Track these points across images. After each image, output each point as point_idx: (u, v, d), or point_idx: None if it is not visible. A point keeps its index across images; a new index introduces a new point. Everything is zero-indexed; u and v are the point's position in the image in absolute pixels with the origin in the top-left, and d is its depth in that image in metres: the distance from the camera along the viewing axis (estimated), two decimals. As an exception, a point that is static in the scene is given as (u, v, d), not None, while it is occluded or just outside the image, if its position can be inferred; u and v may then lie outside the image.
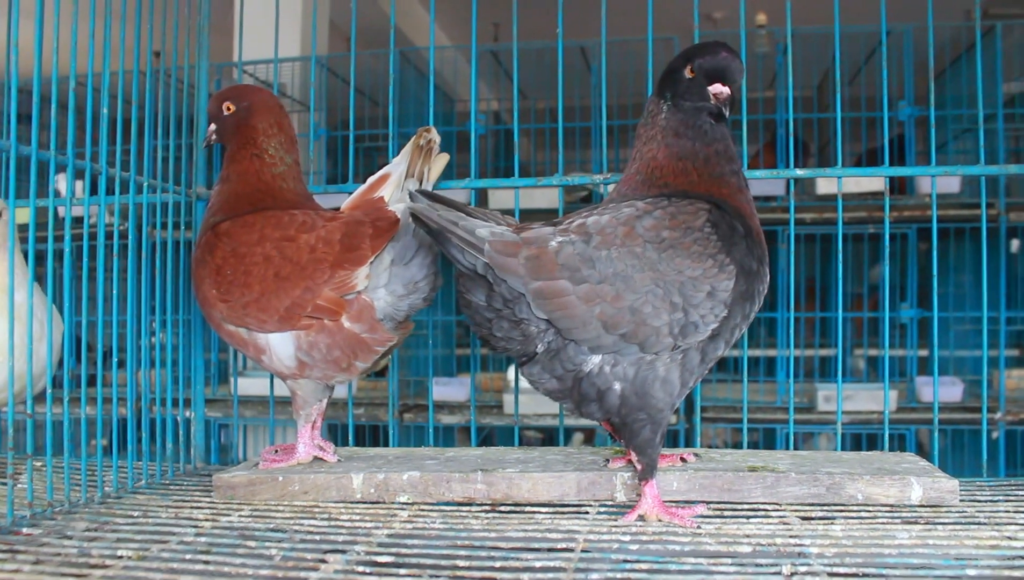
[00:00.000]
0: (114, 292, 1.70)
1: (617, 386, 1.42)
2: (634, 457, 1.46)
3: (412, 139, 1.71)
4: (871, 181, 3.76)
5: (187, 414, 2.05)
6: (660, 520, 1.42)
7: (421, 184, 1.70)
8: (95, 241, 1.64)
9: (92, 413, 1.64)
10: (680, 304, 1.39)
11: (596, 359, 1.42)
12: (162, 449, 1.88)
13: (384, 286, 1.65)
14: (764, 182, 3.89)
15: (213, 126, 1.82)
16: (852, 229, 3.99)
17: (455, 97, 4.89)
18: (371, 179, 1.71)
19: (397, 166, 1.70)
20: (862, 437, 3.92)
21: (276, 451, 1.79)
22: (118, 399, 1.65)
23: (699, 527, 1.39)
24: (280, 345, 1.67)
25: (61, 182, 3.16)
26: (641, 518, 1.43)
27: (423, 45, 5.21)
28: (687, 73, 1.49)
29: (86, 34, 1.58)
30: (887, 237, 1.89)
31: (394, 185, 1.68)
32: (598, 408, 1.44)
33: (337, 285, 1.62)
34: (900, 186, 4.09)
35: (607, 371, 1.42)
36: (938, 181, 3.61)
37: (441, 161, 1.75)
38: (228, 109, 1.79)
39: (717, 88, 1.47)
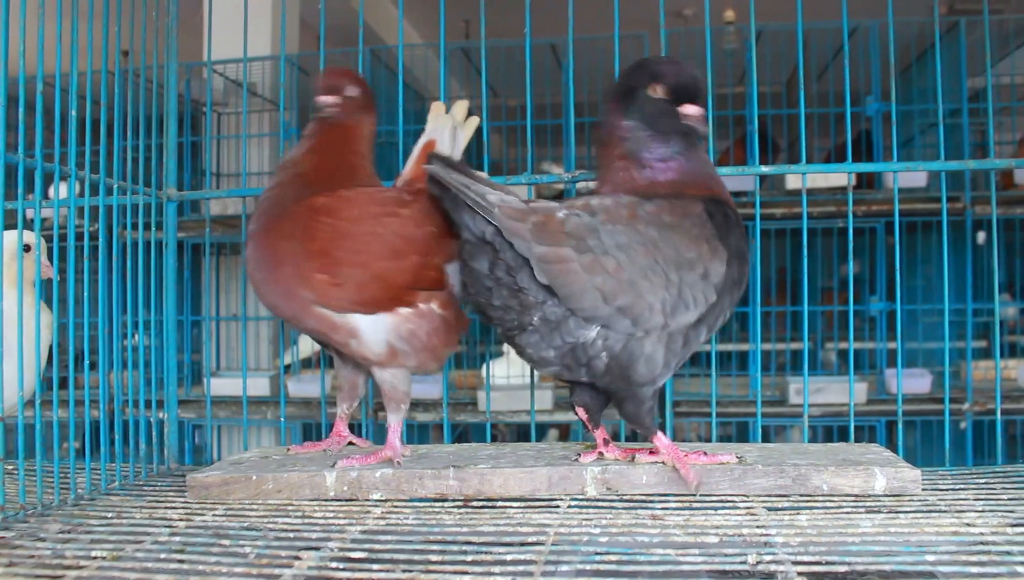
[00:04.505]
0: (85, 294, 1.70)
1: (605, 356, 1.49)
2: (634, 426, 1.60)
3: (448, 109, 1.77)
4: (839, 176, 3.81)
5: (160, 415, 2.05)
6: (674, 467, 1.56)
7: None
8: (65, 243, 1.64)
9: (64, 416, 1.64)
10: (676, 282, 1.46)
11: (592, 333, 1.48)
12: (135, 451, 1.88)
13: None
14: (734, 178, 3.93)
15: (333, 99, 1.73)
16: (822, 223, 4.04)
17: (426, 95, 4.89)
18: (418, 149, 1.74)
19: (440, 132, 1.74)
20: (833, 429, 3.97)
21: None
22: (91, 401, 1.65)
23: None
24: (372, 329, 1.61)
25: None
26: (663, 463, 1.57)
27: (394, 43, 5.21)
28: (651, 92, 1.52)
29: (53, 34, 1.58)
30: (851, 231, 1.93)
31: (448, 149, 1.72)
32: (586, 372, 1.52)
33: (446, 257, 1.63)
34: (868, 181, 4.14)
35: (599, 344, 1.48)
36: (905, 176, 3.70)
37: (471, 125, 1.79)
38: (354, 92, 1.75)
39: (693, 109, 1.51)
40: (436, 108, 1.79)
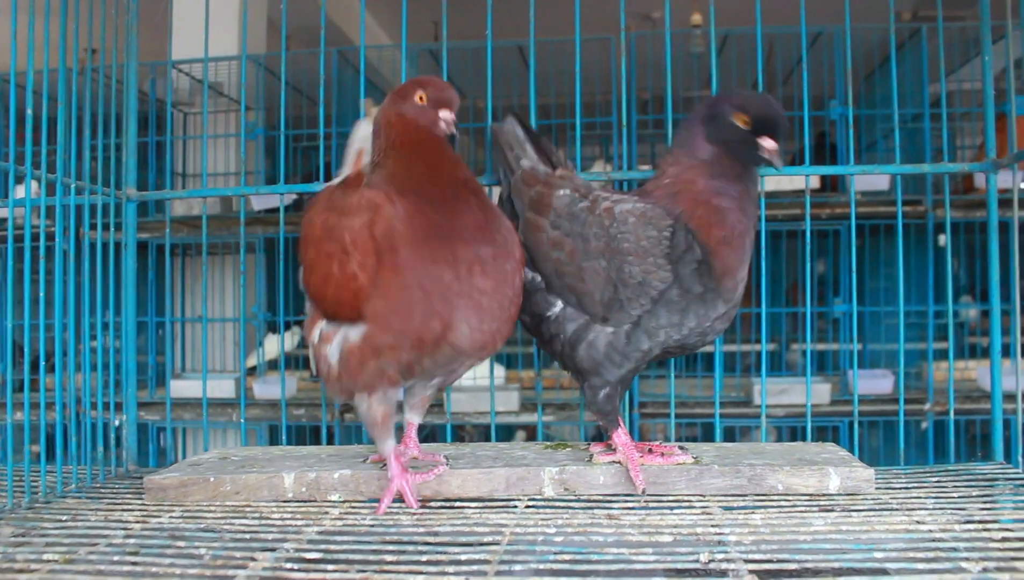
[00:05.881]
0: (41, 295, 1.68)
1: (561, 337, 1.62)
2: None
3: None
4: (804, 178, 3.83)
5: (119, 417, 2.03)
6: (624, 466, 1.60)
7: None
8: (21, 243, 1.62)
9: (20, 418, 1.63)
10: (614, 280, 1.56)
11: (556, 309, 1.62)
12: (92, 453, 1.86)
13: None
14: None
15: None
16: (788, 225, 4.07)
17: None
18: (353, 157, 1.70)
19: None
20: (797, 429, 4.01)
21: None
22: (47, 404, 1.63)
23: (644, 491, 1.56)
24: None
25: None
26: (618, 463, 1.62)
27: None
28: (739, 122, 1.56)
29: (8, 31, 1.57)
30: (808, 234, 1.95)
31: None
32: (550, 350, 1.66)
33: None
34: (832, 184, 4.18)
35: (560, 321, 1.62)
36: (868, 179, 3.75)
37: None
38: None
39: (770, 143, 1.55)
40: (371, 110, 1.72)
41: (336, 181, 1.69)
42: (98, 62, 1.87)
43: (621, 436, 1.62)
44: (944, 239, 4.23)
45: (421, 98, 1.57)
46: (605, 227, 1.58)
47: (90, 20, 1.83)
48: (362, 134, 1.71)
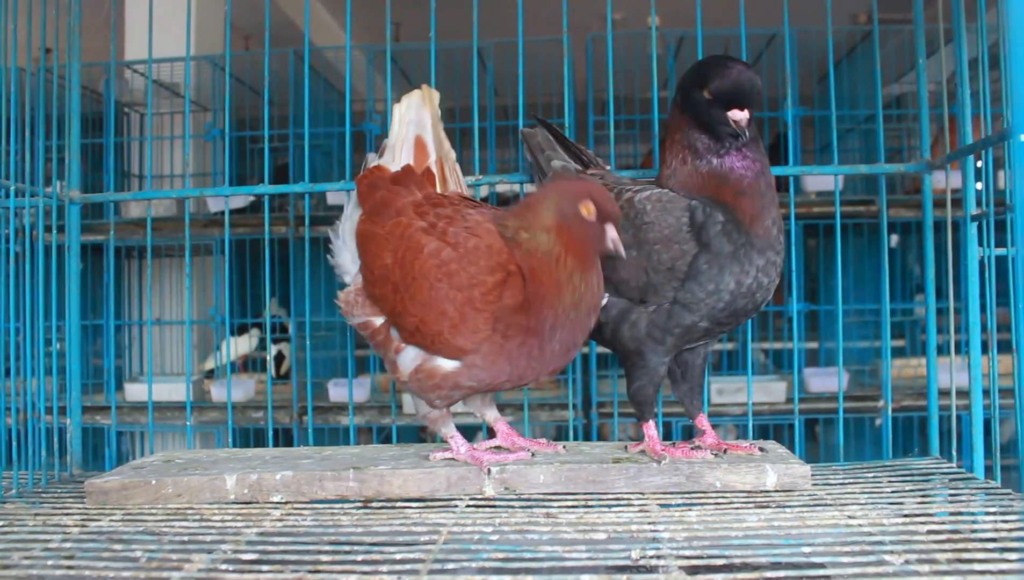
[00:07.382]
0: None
1: (608, 323, 1.66)
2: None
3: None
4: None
5: (63, 421, 2.01)
6: (647, 454, 1.67)
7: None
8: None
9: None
10: (645, 266, 1.61)
11: (603, 300, 1.64)
12: (35, 458, 1.84)
13: None
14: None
15: None
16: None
17: (354, 96, 4.86)
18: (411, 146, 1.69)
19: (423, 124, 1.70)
20: (754, 428, 4.04)
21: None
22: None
23: (663, 460, 1.61)
24: None
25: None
26: (643, 452, 1.68)
27: (322, 44, 5.18)
28: (705, 94, 1.56)
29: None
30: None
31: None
32: (599, 337, 1.71)
33: None
34: (786, 184, 4.23)
35: (606, 309, 1.65)
36: (820, 179, 3.80)
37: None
38: None
39: (735, 114, 1.55)
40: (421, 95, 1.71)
41: (392, 165, 1.67)
42: (51, 62, 1.85)
43: (650, 428, 1.69)
44: (895, 239, 4.31)
45: (587, 210, 1.52)
46: (631, 218, 1.62)
47: (29, 21, 1.81)
48: (416, 118, 1.69)
